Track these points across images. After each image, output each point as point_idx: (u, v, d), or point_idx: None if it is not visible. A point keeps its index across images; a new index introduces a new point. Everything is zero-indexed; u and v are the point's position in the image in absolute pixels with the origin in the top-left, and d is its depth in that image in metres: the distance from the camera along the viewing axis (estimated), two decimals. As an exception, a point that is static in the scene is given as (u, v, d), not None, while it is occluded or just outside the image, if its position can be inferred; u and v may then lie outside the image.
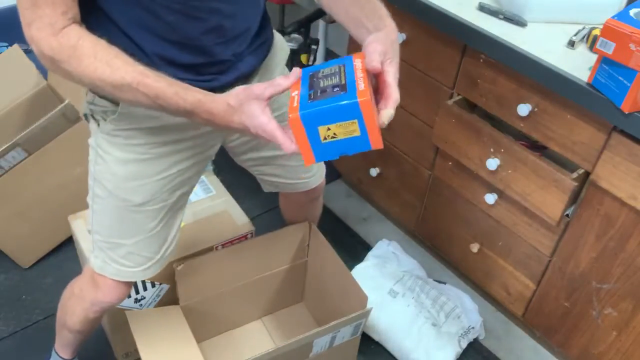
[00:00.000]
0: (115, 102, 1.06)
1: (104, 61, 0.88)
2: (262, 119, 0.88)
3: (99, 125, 1.10)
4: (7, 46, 2.11)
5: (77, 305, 1.29)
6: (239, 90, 0.91)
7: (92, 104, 1.10)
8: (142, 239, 1.17)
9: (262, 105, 0.89)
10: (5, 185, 1.77)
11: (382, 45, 0.95)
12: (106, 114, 1.08)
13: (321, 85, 0.86)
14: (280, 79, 0.90)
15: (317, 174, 1.42)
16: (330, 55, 2.74)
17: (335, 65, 0.90)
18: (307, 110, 0.82)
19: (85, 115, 1.13)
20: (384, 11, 1.03)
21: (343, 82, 0.85)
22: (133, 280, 1.23)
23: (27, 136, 1.75)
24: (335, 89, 0.83)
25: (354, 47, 1.91)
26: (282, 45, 1.25)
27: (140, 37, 0.96)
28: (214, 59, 1.03)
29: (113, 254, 1.18)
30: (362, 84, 0.83)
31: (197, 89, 0.92)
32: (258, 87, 0.90)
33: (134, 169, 1.11)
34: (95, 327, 1.41)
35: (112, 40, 0.90)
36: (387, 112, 0.88)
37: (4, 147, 1.71)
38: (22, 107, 1.91)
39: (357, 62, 0.90)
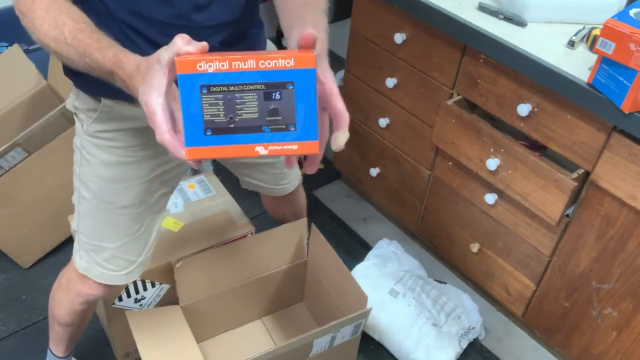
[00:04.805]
0: (97, 99, 1.06)
1: (53, 16, 0.84)
2: (151, 92, 0.71)
3: (82, 125, 1.11)
4: (7, 46, 2.11)
5: (64, 296, 1.30)
6: (160, 49, 0.72)
7: (77, 101, 1.10)
8: (125, 242, 1.18)
9: (162, 72, 0.71)
10: (5, 185, 1.77)
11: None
12: (89, 113, 1.08)
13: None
14: (179, 40, 0.71)
15: (292, 180, 1.45)
16: (330, 55, 2.73)
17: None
18: None
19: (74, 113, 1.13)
20: (322, 32, 0.90)
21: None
22: (116, 284, 1.23)
23: (27, 136, 1.75)
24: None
25: (354, 47, 1.91)
26: None
27: (130, 19, 0.95)
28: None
29: (97, 256, 1.18)
30: None
31: (122, 47, 0.80)
32: (162, 49, 0.72)
33: (117, 172, 1.11)
34: (85, 322, 1.41)
35: (104, 28, 0.89)
36: (344, 135, 0.76)
37: (4, 147, 1.71)
38: (22, 107, 1.91)
39: None
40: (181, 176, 1.23)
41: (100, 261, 1.18)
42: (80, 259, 1.20)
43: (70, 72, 1.05)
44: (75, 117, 1.13)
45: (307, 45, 0.71)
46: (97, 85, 0.85)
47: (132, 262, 1.21)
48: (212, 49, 1.00)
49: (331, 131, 0.78)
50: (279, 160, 1.35)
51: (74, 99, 1.11)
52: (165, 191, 1.20)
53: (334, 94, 0.75)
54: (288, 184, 1.44)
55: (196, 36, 0.85)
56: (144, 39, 0.97)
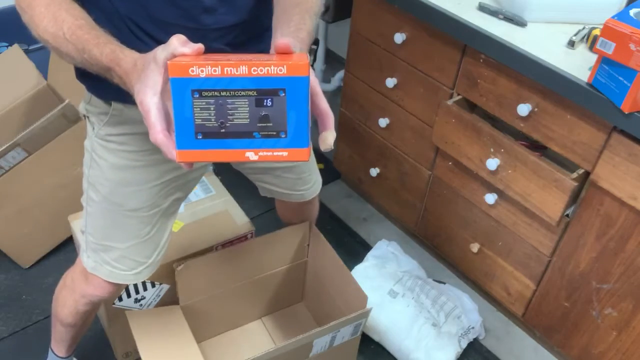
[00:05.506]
0: (107, 103, 1.06)
1: (52, 12, 0.85)
2: (147, 90, 0.71)
3: (94, 129, 1.10)
4: (7, 46, 2.11)
5: (68, 296, 1.29)
6: (156, 48, 0.73)
7: (89, 104, 1.10)
8: (135, 244, 1.17)
9: (158, 71, 0.71)
10: (5, 185, 1.77)
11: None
12: (100, 116, 1.08)
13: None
14: (175, 40, 0.71)
15: (313, 187, 1.42)
16: (330, 55, 2.73)
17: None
18: None
19: (84, 115, 1.13)
20: (304, 32, 0.88)
21: None
22: (125, 283, 1.23)
23: (27, 136, 1.75)
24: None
25: (354, 47, 1.91)
26: None
27: (137, 19, 0.95)
28: (207, 47, 1.01)
29: (105, 256, 1.18)
30: None
31: (120, 44, 0.81)
32: (158, 48, 0.72)
33: (128, 175, 1.11)
34: (88, 323, 1.41)
35: (110, 26, 0.89)
36: (332, 134, 0.75)
37: (4, 147, 1.71)
38: (22, 107, 1.91)
39: None
40: (197, 181, 1.22)
41: (109, 260, 1.18)
42: (87, 258, 1.20)
43: (83, 77, 1.05)
44: (87, 120, 1.13)
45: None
46: (108, 89, 0.85)
47: (141, 264, 1.20)
48: (219, 50, 1.01)
49: (317, 132, 0.77)
50: (295, 165, 1.32)
51: (86, 103, 1.11)
52: (179, 196, 1.20)
53: (317, 94, 0.75)
54: (307, 191, 1.41)
55: (203, 38, 0.86)
56: (150, 38, 0.97)
